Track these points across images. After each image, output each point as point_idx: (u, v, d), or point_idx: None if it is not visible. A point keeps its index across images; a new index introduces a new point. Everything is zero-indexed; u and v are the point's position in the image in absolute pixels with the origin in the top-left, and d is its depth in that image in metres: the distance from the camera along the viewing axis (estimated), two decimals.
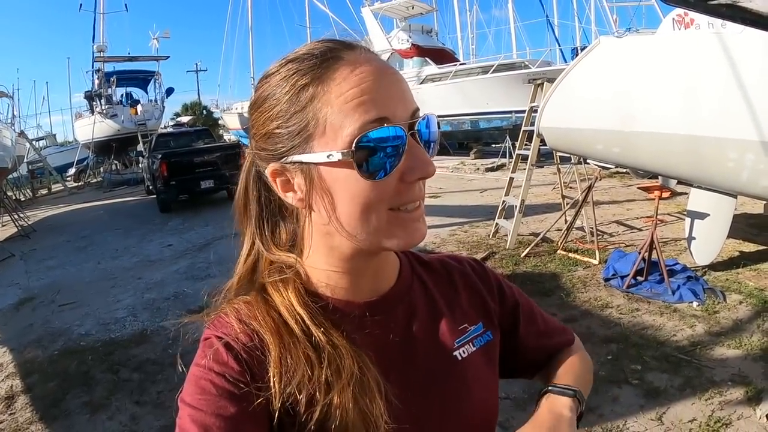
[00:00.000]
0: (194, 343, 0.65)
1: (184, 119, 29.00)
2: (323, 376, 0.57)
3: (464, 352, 0.72)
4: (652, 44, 4.79)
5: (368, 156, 0.54)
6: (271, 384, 0.57)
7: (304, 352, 0.58)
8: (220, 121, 36.00)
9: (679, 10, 4.15)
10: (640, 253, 4.65)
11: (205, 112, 43.34)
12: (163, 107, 24.41)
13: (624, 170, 10.37)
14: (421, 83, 18.95)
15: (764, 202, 6.17)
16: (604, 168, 6.33)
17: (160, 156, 10.96)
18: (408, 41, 21.53)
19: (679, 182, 6.45)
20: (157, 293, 5.58)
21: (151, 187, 12.96)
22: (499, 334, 0.79)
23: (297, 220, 0.68)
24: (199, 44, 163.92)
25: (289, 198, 0.62)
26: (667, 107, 4.41)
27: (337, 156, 0.54)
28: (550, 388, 0.74)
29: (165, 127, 22.84)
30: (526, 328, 0.83)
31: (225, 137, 30.06)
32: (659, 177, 6.71)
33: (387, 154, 0.54)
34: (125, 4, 29.10)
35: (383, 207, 0.57)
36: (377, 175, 0.55)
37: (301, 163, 0.58)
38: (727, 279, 4.64)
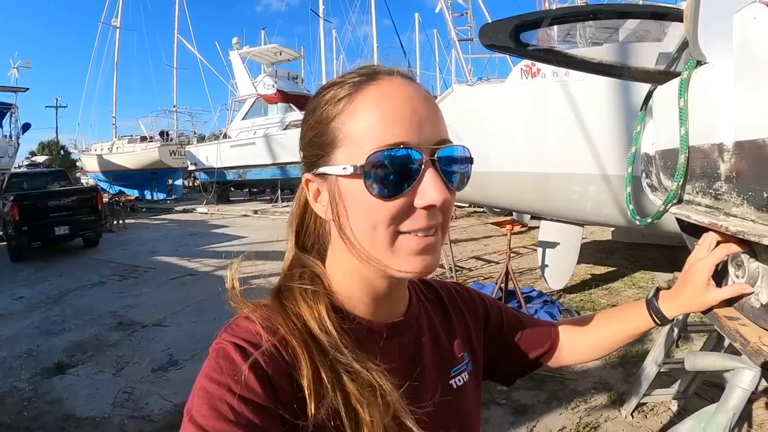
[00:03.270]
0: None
1: (40, 159, 26.47)
2: (366, 413, 0.55)
3: (459, 381, 0.74)
4: (501, 91, 5.27)
5: (381, 175, 0.53)
6: (307, 404, 0.54)
7: (338, 377, 0.56)
8: (78, 163, 33.58)
9: (527, 61, 4.62)
10: (497, 283, 4.98)
11: (62, 152, 40.82)
12: (18, 144, 21.46)
13: (481, 209, 11.19)
14: (285, 129, 18.86)
15: (612, 229, 7.01)
16: (458, 207, 6.75)
17: (11, 198, 10.11)
18: (273, 87, 21.44)
19: (533, 217, 7.08)
20: (8, 350, 4.89)
21: (1, 233, 11.61)
22: (480, 363, 0.82)
23: (329, 232, 0.66)
24: (61, 79, 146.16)
25: (318, 208, 0.63)
26: (516, 148, 4.86)
27: (349, 170, 0.55)
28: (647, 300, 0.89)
29: (19, 167, 21.28)
30: (518, 321, 0.91)
31: (82, 180, 28.27)
32: (513, 213, 7.33)
33: (399, 176, 0.54)
34: None
35: (392, 228, 0.56)
36: (385, 194, 0.54)
37: (325, 174, 0.59)
38: (581, 299, 5.15)
